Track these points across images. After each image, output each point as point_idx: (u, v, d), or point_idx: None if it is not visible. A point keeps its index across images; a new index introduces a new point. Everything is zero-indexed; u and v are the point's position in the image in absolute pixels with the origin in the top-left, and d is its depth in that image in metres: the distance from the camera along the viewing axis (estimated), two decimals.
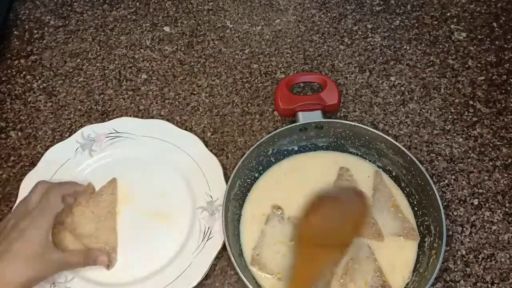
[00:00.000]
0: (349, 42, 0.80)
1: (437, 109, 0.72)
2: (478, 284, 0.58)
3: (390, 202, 0.61)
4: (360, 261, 0.57)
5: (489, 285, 0.58)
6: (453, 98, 0.73)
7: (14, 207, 0.61)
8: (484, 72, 0.76)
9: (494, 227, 0.62)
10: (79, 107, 0.74)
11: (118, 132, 0.69)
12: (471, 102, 0.73)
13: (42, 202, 0.55)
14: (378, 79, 0.76)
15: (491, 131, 0.70)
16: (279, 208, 0.61)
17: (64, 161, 0.66)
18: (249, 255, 0.58)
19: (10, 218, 0.55)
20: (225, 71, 0.77)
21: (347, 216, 0.51)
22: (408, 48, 0.79)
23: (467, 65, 0.77)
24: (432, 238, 0.56)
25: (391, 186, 0.63)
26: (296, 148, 0.66)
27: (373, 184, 0.63)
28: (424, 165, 0.66)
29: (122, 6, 0.86)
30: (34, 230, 0.52)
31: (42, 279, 0.53)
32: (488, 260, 0.59)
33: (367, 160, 0.65)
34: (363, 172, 0.64)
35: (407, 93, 0.74)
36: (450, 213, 0.63)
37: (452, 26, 0.82)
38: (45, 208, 0.55)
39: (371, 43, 0.80)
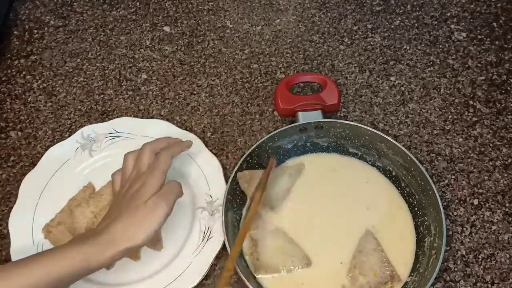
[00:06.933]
0: (349, 42, 0.80)
1: (437, 109, 0.72)
2: (478, 284, 0.58)
3: None
4: (367, 253, 0.57)
5: (489, 285, 0.58)
6: (453, 98, 0.73)
7: (126, 172, 0.58)
8: (484, 72, 0.76)
9: (494, 227, 0.62)
10: (79, 107, 0.74)
11: (118, 132, 0.69)
12: (471, 102, 0.73)
13: (152, 163, 0.56)
14: (378, 79, 0.76)
15: (491, 131, 0.70)
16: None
17: (64, 161, 0.66)
18: (249, 261, 0.58)
19: (125, 183, 0.56)
20: (225, 71, 0.77)
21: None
22: (408, 48, 0.79)
23: (467, 65, 0.77)
24: (432, 238, 0.56)
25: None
26: (295, 148, 0.66)
27: None
28: (424, 165, 0.66)
29: (122, 6, 0.86)
30: (145, 190, 0.52)
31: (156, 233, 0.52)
32: (488, 260, 0.59)
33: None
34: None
35: (407, 93, 0.74)
36: (450, 213, 0.63)
37: (452, 26, 0.82)
38: (155, 168, 0.55)
39: (371, 43, 0.80)
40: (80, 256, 0.47)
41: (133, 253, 0.59)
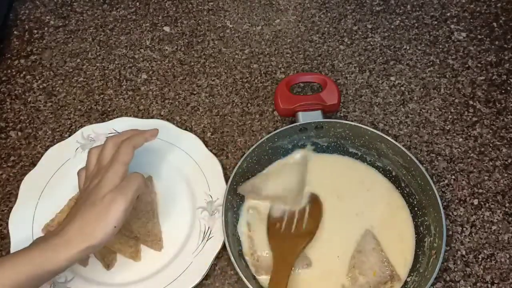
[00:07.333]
0: (349, 42, 0.80)
1: (437, 109, 0.72)
2: (478, 284, 0.58)
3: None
4: (366, 253, 0.57)
5: (489, 285, 0.58)
6: (453, 98, 0.73)
7: (89, 168, 0.56)
8: (484, 72, 0.76)
9: (494, 227, 0.62)
10: (79, 107, 0.74)
11: (118, 132, 0.69)
12: (471, 102, 0.73)
13: (112, 156, 0.54)
14: (378, 79, 0.76)
15: (491, 131, 0.70)
16: (253, 208, 0.61)
17: (64, 161, 0.66)
18: (249, 262, 0.58)
19: (87, 179, 0.54)
20: (225, 71, 0.77)
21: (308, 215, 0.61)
22: (408, 48, 0.79)
23: (467, 65, 0.77)
24: (432, 238, 0.56)
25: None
26: (295, 148, 0.66)
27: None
28: (424, 165, 0.66)
29: (122, 6, 0.86)
30: (103, 185, 0.51)
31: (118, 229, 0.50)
32: (488, 260, 0.59)
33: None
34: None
35: (407, 93, 0.74)
36: (450, 213, 0.63)
37: (452, 26, 0.82)
38: (114, 161, 0.52)
39: (371, 43, 0.80)
40: (31, 263, 0.46)
41: (96, 251, 0.57)
